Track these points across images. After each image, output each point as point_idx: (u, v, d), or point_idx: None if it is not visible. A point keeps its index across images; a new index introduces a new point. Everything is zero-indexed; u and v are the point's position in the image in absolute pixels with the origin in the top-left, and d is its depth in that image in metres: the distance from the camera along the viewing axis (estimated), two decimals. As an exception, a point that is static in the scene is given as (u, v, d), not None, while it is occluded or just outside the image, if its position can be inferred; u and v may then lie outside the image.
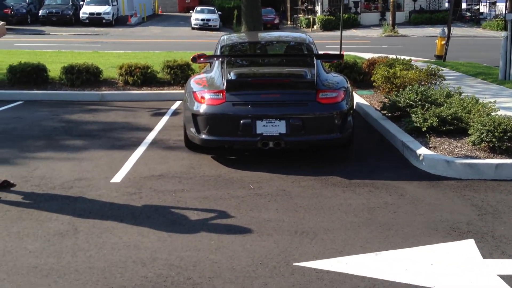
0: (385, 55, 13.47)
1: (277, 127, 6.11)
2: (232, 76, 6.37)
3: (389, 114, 8.24)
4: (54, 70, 11.81)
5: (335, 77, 7.00)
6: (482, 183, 5.71)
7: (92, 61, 14.93)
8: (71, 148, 7.07)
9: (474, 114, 7.05)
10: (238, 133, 6.11)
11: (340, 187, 5.62)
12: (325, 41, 26.20)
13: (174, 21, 41.12)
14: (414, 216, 4.84)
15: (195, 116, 6.29)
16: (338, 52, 15.62)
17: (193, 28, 34.69)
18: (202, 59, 6.78)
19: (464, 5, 42.29)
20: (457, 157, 6.11)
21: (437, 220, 4.76)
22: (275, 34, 8.55)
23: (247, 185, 5.65)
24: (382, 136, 7.75)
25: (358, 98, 10.15)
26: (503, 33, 11.97)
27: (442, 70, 10.12)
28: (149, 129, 8.09)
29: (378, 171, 6.16)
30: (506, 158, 6.08)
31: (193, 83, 6.71)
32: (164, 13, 49.49)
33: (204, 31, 33.47)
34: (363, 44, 25.76)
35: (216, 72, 6.68)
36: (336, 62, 9.14)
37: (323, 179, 5.86)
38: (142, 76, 11.26)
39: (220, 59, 6.71)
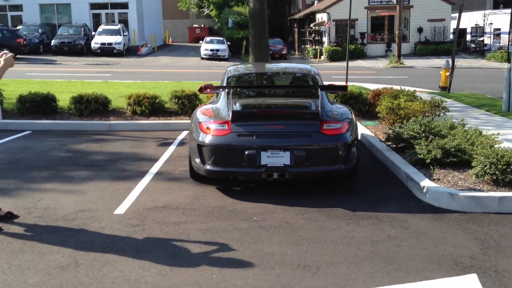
0: (390, 86, 13.54)
1: (282, 158, 6.16)
2: (237, 107, 6.46)
3: (394, 145, 8.27)
4: (64, 100, 12.00)
5: (339, 109, 7.06)
6: (485, 216, 5.70)
7: (101, 90, 15.14)
8: (77, 179, 7.13)
9: (477, 146, 7.07)
10: (242, 164, 6.16)
11: (344, 219, 5.63)
12: (332, 72, 26.45)
13: (184, 51, 41.68)
14: (417, 250, 4.83)
15: (200, 146, 6.35)
16: (344, 83, 15.77)
17: (202, 58, 35.09)
18: (208, 90, 6.88)
19: (468, 37, 42.54)
20: (460, 190, 6.11)
21: (440, 254, 4.75)
22: (280, 65, 8.68)
23: (251, 217, 5.67)
24: (386, 167, 7.77)
25: (363, 129, 10.21)
26: (506, 65, 12.07)
27: (445, 102, 10.17)
28: (155, 160, 8.15)
29: (382, 203, 6.17)
30: (509, 191, 6.07)
31: (199, 113, 6.80)
32: (175, 43, 50.26)
33: (213, 61, 33.83)
34: (369, 74, 25.94)
35: (222, 103, 6.76)
36: (341, 93, 9.23)
37: (327, 211, 5.87)
38: (150, 106, 11.39)
39: (226, 90, 6.80)
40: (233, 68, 7.97)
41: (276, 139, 6.21)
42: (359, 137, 9.87)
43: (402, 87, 12.36)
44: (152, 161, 8.09)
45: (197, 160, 6.42)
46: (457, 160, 6.97)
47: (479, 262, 4.57)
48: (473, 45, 41.15)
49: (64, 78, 20.14)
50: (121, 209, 5.91)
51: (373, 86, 16.69)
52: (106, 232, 5.28)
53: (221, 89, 6.87)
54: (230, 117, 6.26)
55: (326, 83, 11.30)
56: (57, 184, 6.93)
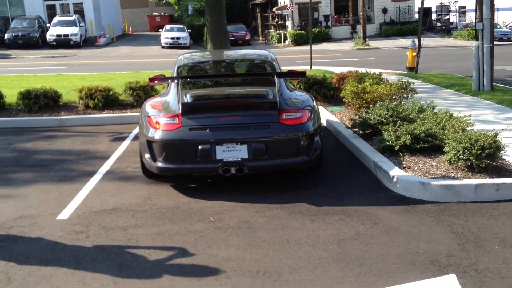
0: (355, 69, 13.15)
1: (239, 152, 5.65)
2: (188, 98, 5.91)
3: (360, 132, 7.83)
4: (13, 96, 11.20)
5: (300, 96, 6.57)
6: (461, 206, 5.30)
7: (55, 84, 14.40)
8: (19, 181, 6.50)
9: (449, 130, 6.67)
10: (196, 160, 5.64)
11: (308, 215, 5.16)
12: (296, 56, 26.04)
13: (144, 40, 40.66)
14: (388, 248, 4.39)
15: (150, 142, 5.80)
16: (304, 68, 15.31)
17: (163, 47, 34.22)
18: (157, 81, 6.29)
19: (434, 16, 42.58)
20: (433, 178, 5.71)
21: (414, 252, 4.32)
22: (236, 52, 8.09)
23: (207, 217, 5.15)
24: (353, 155, 7.33)
25: (328, 115, 9.77)
26: (474, 43, 11.77)
27: (413, 83, 9.78)
28: (107, 157, 7.55)
29: (350, 196, 5.72)
30: (485, 177, 5.69)
31: (148, 106, 6.23)
32: (135, 33, 49.01)
33: (175, 50, 32.94)
34: (334, 58, 25.56)
35: (171, 95, 6.20)
36: (303, 79, 8.74)
37: (290, 207, 5.39)
38: (104, 99, 10.73)
39: (176, 80, 6.21)
40: (184, 56, 7.38)
41: (231, 131, 5.69)
42: (324, 124, 9.48)
43: (368, 70, 11.97)
44: (103, 158, 7.49)
45: (148, 157, 5.86)
46: (428, 145, 6.57)
47: (458, 260, 4.15)
48: (439, 24, 41.19)
49: (19, 73, 19.18)
50: (64, 214, 5.32)
51: (338, 70, 16.32)
52: (46, 241, 4.71)
53: (170, 80, 6.27)
54: (180, 110, 5.72)
55: (286, 68, 10.86)
56: (-5, 188, 6.29)
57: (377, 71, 16.96)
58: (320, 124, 6.34)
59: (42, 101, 10.58)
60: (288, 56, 27.19)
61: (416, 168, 6.10)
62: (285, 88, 6.46)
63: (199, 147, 5.59)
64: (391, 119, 7.30)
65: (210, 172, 5.79)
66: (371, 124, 7.53)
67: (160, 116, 5.81)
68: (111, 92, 10.92)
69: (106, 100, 10.78)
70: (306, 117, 5.95)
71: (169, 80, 6.26)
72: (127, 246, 4.52)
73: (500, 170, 5.93)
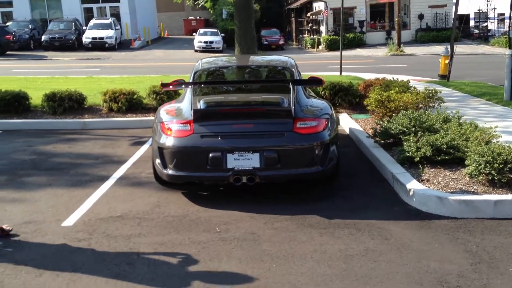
0: (384, 75, 12.88)
1: (250, 161, 5.52)
2: (200, 105, 5.81)
3: (382, 142, 7.60)
4: (39, 98, 11.33)
5: (317, 104, 6.40)
6: (479, 223, 5.05)
7: (84, 86, 14.57)
8: (32, 185, 6.51)
9: (472, 142, 6.40)
10: (207, 168, 5.53)
11: (318, 228, 4.99)
12: (329, 61, 25.75)
13: (179, 44, 40.95)
14: (397, 266, 4.19)
15: (161, 149, 5.73)
16: (334, 75, 15.03)
17: (196, 51, 34.36)
18: (171, 87, 6.22)
19: (472, 22, 41.66)
20: (451, 193, 5.46)
21: (423, 271, 4.11)
22: (256, 58, 7.95)
23: (214, 227, 5.04)
24: (373, 166, 7.11)
25: (352, 123, 9.55)
26: (507, 51, 11.35)
27: (440, 92, 9.47)
28: (123, 161, 7.53)
29: (364, 209, 5.53)
30: (507, 193, 5.42)
31: (162, 112, 6.16)
32: (170, 36, 49.47)
33: (208, 54, 33.06)
34: (366, 64, 25.21)
35: (185, 101, 6.12)
36: (319, 86, 8.37)
37: (300, 219, 5.23)
38: (127, 103, 10.75)
39: (191, 86, 6.11)
40: (202, 61, 7.31)
41: (243, 139, 5.57)
42: (347, 132, 9.27)
43: (395, 77, 11.70)
44: (120, 162, 7.46)
45: (159, 164, 5.79)
46: (449, 158, 6.31)
47: (468, 281, 3.93)
48: (476, 31, 40.24)
49: (51, 74, 19.49)
50: (70, 220, 5.28)
51: (368, 76, 16.05)
52: (47, 248, 4.66)
53: (184, 85, 6.18)
54: (192, 117, 5.63)
55: (312, 74, 10.65)
56: (9, 191, 6.31)
57: (407, 78, 16.62)
58: (337, 133, 6.17)
59: (67, 104, 10.67)
60: (320, 61, 27.00)
61: (435, 181, 5.87)
62: (302, 96, 6.30)
63: (210, 155, 5.48)
64: (413, 129, 7.06)
65: (221, 181, 5.67)
66: (392, 133, 7.30)
67: (173, 122, 5.73)
68: (135, 96, 10.94)
69: (130, 103, 10.79)
70: (322, 126, 5.78)
71: (183, 86, 6.18)
72: (127, 256, 4.44)
73: (524, 186, 5.65)
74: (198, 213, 5.43)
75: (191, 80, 6.65)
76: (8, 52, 31.12)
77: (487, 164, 5.57)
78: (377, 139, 7.58)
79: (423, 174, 6.09)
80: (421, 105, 8.94)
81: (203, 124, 5.61)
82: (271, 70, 7.42)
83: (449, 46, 16.23)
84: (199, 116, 5.63)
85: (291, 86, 5.87)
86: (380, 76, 13.59)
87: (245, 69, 7.61)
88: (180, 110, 5.99)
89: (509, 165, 5.49)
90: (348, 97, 10.99)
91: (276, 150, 5.53)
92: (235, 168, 5.50)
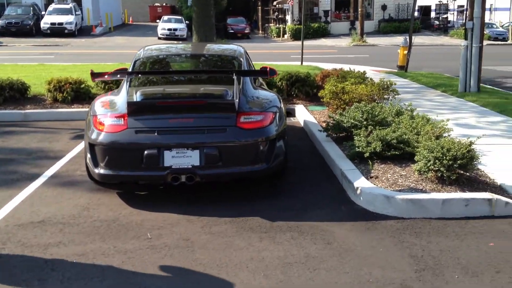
0: (345, 66, 12.62)
1: (190, 158, 5.14)
2: (136, 97, 5.38)
3: (334, 135, 7.31)
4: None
5: (265, 96, 6.04)
6: (426, 224, 4.79)
7: (33, 74, 13.92)
8: (-45, 184, 6.00)
9: (423, 137, 6.15)
10: (142, 167, 5.13)
11: (258, 232, 4.65)
12: (293, 51, 25.41)
13: (142, 31, 40.12)
14: (337, 275, 3.89)
15: (92, 146, 5.29)
16: (295, 64, 14.65)
17: (159, 38, 33.67)
18: (104, 77, 5.75)
19: (433, 14, 41.92)
20: (398, 191, 5.19)
21: (364, 280, 3.81)
22: (203, 47, 7.53)
23: (145, 233, 4.65)
24: (324, 161, 6.82)
25: (307, 115, 9.25)
26: (463, 43, 11.21)
27: (395, 84, 9.22)
28: (59, 157, 7.05)
29: (309, 209, 5.21)
30: (456, 191, 5.18)
31: (97, 104, 5.70)
32: (135, 23, 48.45)
33: (171, 41, 32.40)
34: (330, 54, 25.02)
35: (122, 93, 5.66)
36: (266, 77, 7.93)
37: (240, 222, 4.89)
38: (73, 92, 10.22)
39: (127, 76, 5.63)
40: (145, 49, 6.86)
41: (182, 135, 5.18)
42: (302, 125, 8.95)
43: (352, 68, 11.43)
44: (56, 158, 6.98)
45: (90, 161, 5.36)
46: (399, 153, 6.06)
47: (410, 292, 3.65)
48: (437, 22, 40.54)
49: (2, 61, 18.66)
50: (-14, 226, 4.81)
51: (330, 66, 15.72)
52: (-46, 259, 4.19)
53: (119, 75, 5.68)
54: (126, 110, 5.20)
55: (276, 64, 10.23)
56: None
57: (366, 68, 16.45)
58: (285, 128, 5.83)
59: (7, 93, 10.07)
60: (284, 51, 26.70)
61: (384, 178, 5.60)
62: (249, 87, 5.93)
63: (145, 152, 5.08)
64: (365, 122, 6.78)
65: (157, 181, 5.28)
66: (344, 127, 7.02)
67: (107, 116, 5.30)
68: (82, 85, 10.41)
69: (76, 93, 10.27)
70: (268, 120, 5.43)
71: (118, 76, 5.67)
72: (40, 270, 3.96)
73: (473, 182, 5.43)
74: (131, 216, 5.03)
75: (130, 70, 6.21)
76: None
77: (436, 161, 5.32)
78: (329, 132, 7.29)
79: (372, 171, 5.82)
80: (376, 97, 8.69)
81: (138, 118, 5.20)
82: (218, 60, 7.01)
83: (407, 37, 16.09)
84: (134, 109, 5.22)
85: (235, 77, 5.45)
86: (340, 66, 13.34)
87: (190, 58, 7.19)
88: (115, 103, 5.55)
89: (458, 161, 5.25)
90: (305, 88, 10.69)
91: (218, 146, 5.16)
92: (172, 167, 5.12)
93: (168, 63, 6.86)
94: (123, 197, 5.53)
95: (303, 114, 9.44)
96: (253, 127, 5.29)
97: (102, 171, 5.24)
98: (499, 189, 5.34)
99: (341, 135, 7.26)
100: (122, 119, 5.20)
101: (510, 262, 4.06)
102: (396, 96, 8.99)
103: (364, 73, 10.30)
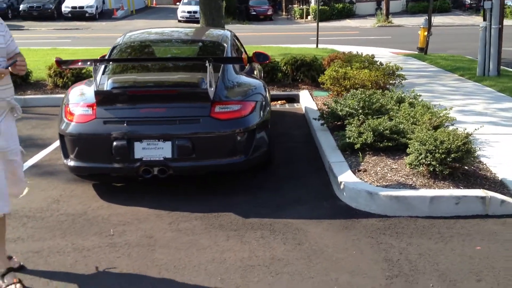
0: (359, 48, 12.18)
1: (161, 150, 4.87)
2: (106, 85, 5.12)
3: (330, 124, 6.94)
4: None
5: (247, 84, 5.71)
6: (410, 223, 4.44)
7: (43, 59, 13.84)
8: None
9: (421, 127, 5.76)
10: (112, 159, 4.88)
11: (227, 230, 4.37)
12: (314, 33, 24.76)
13: (164, 13, 39.88)
14: (300, 281, 3.58)
15: (62, 136, 5.07)
16: (311, 47, 14.17)
17: (179, 21, 33.42)
18: (71, 64, 5.42)
19: (466, -8, 40.62)
20: (384, 187, 4.83)
21: (328, 287, 3.50)
22: (188, 32, 7.13)
23: (109, 229, 4.41)
24: (318, 152, 6.47)
25: (309, 102, 8.87)
26: (481, 24, 10.63)
27: (401, 69, 8.76)
28: (47, 145, 6.88)
29: (290, 204, 4.90)
30: (449, 187, 4.80)
31: (71, 92, 5.46)
32: (158, 6, 48.22)
33: (191, 24, 32.11)
34: (351, 35, 24.39)
35: (94, 81, 5.39)
36: (260, 63, 7.51)
37: (212, 218, 4.61)
38: (74, 78, 10.02)
39: (97, 64, 5.30)
40: (126, 35, 6.59)
41: (153, 126, 4.91)
42: (303, 111, 8.59)
43: (365, 50, 11.00)
44: (42, 146, 6.82)
45: (61, 153, 5.14)
46: (392, 144, 5.69)
47: (375, 303, 3.33)
48: (468, 1, 39.23)
49: (20, 46, 18.63)
50: (-48, 219, 4.63)
51: (347, 49, 15.27)
52: None
53: (88, 63, 5.38)
54: (95, 99, 4.95)
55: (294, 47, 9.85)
56: None
57: (385, 51, 15.97)
58: (269, 117, 5.50)
59: None
60: (304, 33, 26.17)
61: (372, 172, 5.24)
62: (230, 75, 5.61)
63: (114, 143, 4.83)
64: (360, 111, 6.42)
65: (128, 173, 5.02)
66: (340, 115, 6.66)
67: (78, 105, 5.06)
68: (83, 70, 10.21)
69: (77, 78, 10.04)
70: (247, 110, 5.11)
71: (88, 63, 5.36)
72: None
73: (471, 177, 5.03)
74: (99, 210, 4.80)
75: (107, 56, 5.95)
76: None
77: (428, 154, 4.94)
78: (323, 121, 6.93)
79: (362, 163, 5.47)
80: (381, 83, 8.27)
81: (107, 108, 4.94)
82: (200, 47, 6.67)
83: (428, 17, 15.47)
84: (102, 98, 4.96)
85: (207, 64, 5.08)
86: (357, 49, 12.90)
87: (171, 45, 6.86)
88: (86, 91, 5.30)
89: (452, 155, 4.86)
90: (310, 72, 10.29)
91: (190, 138, 4.87)
92: (143, 159, 4.86)
93: (146, 50, 6.51)
94: (98, 189, 5.31)
95: (306, 100, 9.07)
96: (230, 117, 4.98)
97: (72, 163, 5.02)
98: (499, 185, 4.94)
99: (338, 123, 6.89)
100: (91, 109, 4.96)
101: (495, 269, 3.69)
102: (406, 81, 8.55)
103: (373, 56, 9.86)
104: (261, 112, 5.30)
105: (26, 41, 21.53)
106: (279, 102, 9.51)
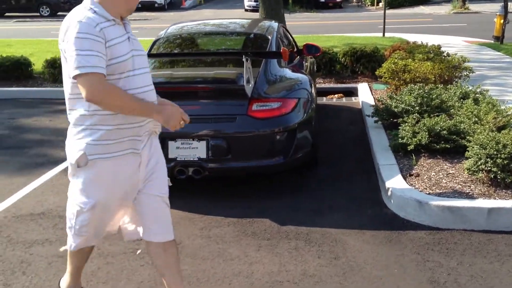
0: (430, 36, 11.49)
1: (196, 150, 4.63)
2: (142, 82, 4.90)
3: (386, 121, 6.47)
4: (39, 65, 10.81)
5: (291, 79, 5.35)
6: (465, 238, 3.97)
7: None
8: (-21, 168, 5.90)
9: (483, 127, 5.22)
10: (146, 158, 4.67)
11: (259, 239, 4.07)
12: (386, 20, 24.02)
13: (231, 3, 39.77)
14: (330, 302, 3.24)
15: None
16: (376, 36, 13.57)
17: (246, 10, 33.17)
18: None
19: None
20: (436, 195, 4.37)
21: (360, 312, 3.14)
22: (233, 25, 6.77)
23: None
24: (370, 152, 6.04)
25: (367, 95, 8.38)
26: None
27: (467, 61, 8.07)
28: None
29: (330, 211, 4.54)
30: (511, 197, 4.27)
31: None
32: (229, -6, 48.24)
33: (257, 13, 31.84)
34: (423, 23, 23.30)
35: None
36: (310, 55, 7.01)
37: (246, 224, 4.33)
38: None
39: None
40: (169, 28, 6.35)
41: (187, 124, 4.63)
42: (360, 106, 8.13)
43: (428, 41, 10.33)
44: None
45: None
46: (451, 146, 5.18)
47: (411, 334, 2.93)
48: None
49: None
50: (-15, 217, 4.60)
51: (417, 38, 14.53)
52: None
53: None
54: None
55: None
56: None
57: (458, 39, 15.06)
58: (312, 116, 5.14)
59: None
60: (373, 21, 25.26)
61: (425, 177, 4.77)
62: (274, 68, 5.26)
63: None
64: (417, 108, 5.93)
65: (163, 173, 4.80)
66: (395, 112, 6.18)
67: None
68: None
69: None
70: (287, 108, 4.78)
71: None
72: (11, 274, 3.64)
73: (541, 187, 4.47)
74: (132, 211, 4.61)
75: (147, 51, 5.75)
76: (59, 13, 31.10)
77: (488, 159, 4.42)
78: (377, 118, 6.47)
79: (415, 167, 5.01)
80: (445, 76, 7.67)
81: (140, 105, 4.73)
82: (243, 40, 6.33)
83: (507, 4, 14.42)
84: (135, 96, 4.75)
85: (244, 60, 4.73)
86: (427, 37, 12.21)
87: (213, 38, 6.55)
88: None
89: (516, 161, 4.32)
90: (371, 64, 9.76)
91: (226, 137, 4.60)
92: (177, 159, 4.64)
93: (186, 44, 6.23)
94: (134, 188, 5.13)
95: (364, 94, 8.59)
96: (268, 115, 4.66)
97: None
98: None
99: (394, 121, 6.41)
100: None
101: (559, 298, 3.20)
102: (471, 74, 7.90)
103: (439, 47, 9.21)
104: (305, 110, 4.95)
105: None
106: (335, 95, 9.06)
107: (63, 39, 2.51)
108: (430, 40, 13.95)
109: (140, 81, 2.69)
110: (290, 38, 6.98)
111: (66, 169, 5.47)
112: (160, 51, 5.80)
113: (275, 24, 6.37)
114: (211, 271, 3.63)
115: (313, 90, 5.38)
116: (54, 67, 10.05)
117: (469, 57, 8.48)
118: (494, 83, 8.67)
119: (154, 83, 4.81)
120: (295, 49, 6.88)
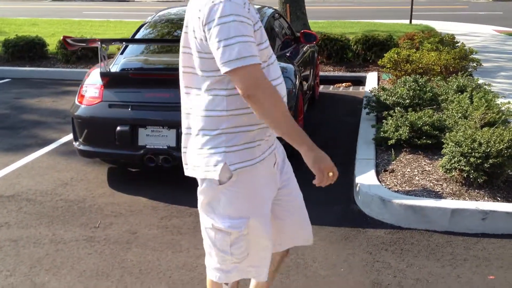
0: (460, 24, 11.13)
1: (165, 138, 4.61)
2: (117, 67, 4.91)
3: (379, 113, 6.31)
4: (52, 44, 10.98)
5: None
6: (423, 239, 3.84)
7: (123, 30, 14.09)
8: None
9: (467, 124, 5.02)
10: (116, 144, 4.69)
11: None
12: (415, 6, 23.39)
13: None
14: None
15: (72, 118, 4.96)
16: (404, 23, 13.26)
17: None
18: (71, 41, 4.99)
19: None
20: (404, 193, 4.23)
21: (291, 312, 3.07)
22: None
23: (97, 220, 4.23)
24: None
25: (373, 85, 8.19)
26: None
27: (475, 52, 7.77)
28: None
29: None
30: (483, 198, 4.11)
31: (91, 73, 5.25)
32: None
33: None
34: (457, 10, 22.63)
35: (100, 62, 5.06)
36: (307, 43, 6.80)
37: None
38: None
39: (100, 44, 4.81)
40: (155, 15, 6.27)
41: (157, 112, 4.63)
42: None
43: (455, 28, 10.01)
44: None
45: (72, 135, 5.05)
46: (432, 142, 5.00)
47: None
48: None
49: (117, 17, 19.26)
50: (-41, 198, 4.70)
51: (447, 26, 14.15)
52: None
53: (99, 43, 4.97)
54: (101, 81, 4.77)
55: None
56: None
57: (488, 28, 14.57)
58: (294, 106, 5.05)
59: (80, 52, 10.17)
60: (404, 7, 24.64)
61: (399, 173, 4.63)
62: None
63: (118, 128, 4.63)
64: (408, 101, 5.75)
65: (132, 160, 4.81)
66: (386, 104, 6.01)
67: (88, 86, 4.90)
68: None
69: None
70: None
71: (98, 43, 4.92)
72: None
73: (516, 189, 4.28)
74: (99, 198, 4.64)
75: (132, 36, 5.73)
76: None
77: (462, 157, 4.25)
78: (369, 110, 6.31)
79: (393, 162, 4.86)
80: (452, 68, 7.42)
81: (113, 91, 4.74)
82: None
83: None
84: (108, 81, 4.76)
85: None
86: (456, 25, 11.84)
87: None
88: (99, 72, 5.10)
89: (490, 160, 4.14)
90: (383, 52, 9.48)
91: None
92: (147, 146, 4.62)
93: (169, 31, 6.12)
94: (112, 173, 5.17)
95: (371, 84, 8.39)
96: None
97: (80, 146, 4.89)
98: (555, 197, 4.16)
99: (387, 112, 6.23)
100: (98, 91, 4.78)
101: (503, 308, 3.05)
102: (486, 65, 7.62)
103: (453, 37, 8.90)
104: (287, 99, 4.83)
105: (121, 13, 22.17)
106: (343, 84, 8.90)
107: (199, 26, 1.96)
108: (458, 28, 13.54)
109: (273, 73, 2.17)
110: (286, 25, 6.84)
111: (52, 151, 5.59)
112: (144, 36, 5.75)
113: (269, 11, 6.25)
114: (156, 262, 3.61)
115: (297, 81, 5.26)
116: (67, 48, 10.12)
117: (491, 47, 8.14)
118: (508, 76, 8.34)
119: (126, 69, 4.87)
120: (293, 37, 6.77)
